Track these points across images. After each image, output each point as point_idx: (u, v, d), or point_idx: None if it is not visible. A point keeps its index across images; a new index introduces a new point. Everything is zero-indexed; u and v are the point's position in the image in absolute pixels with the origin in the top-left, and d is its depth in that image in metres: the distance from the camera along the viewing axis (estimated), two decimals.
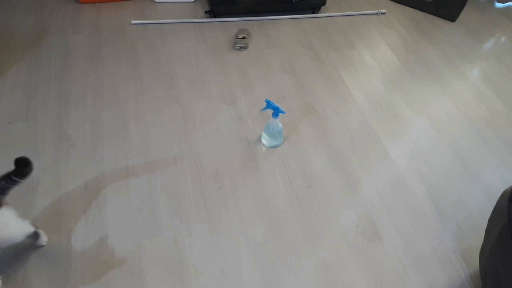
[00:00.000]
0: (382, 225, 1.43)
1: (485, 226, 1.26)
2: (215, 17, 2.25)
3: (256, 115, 1.77)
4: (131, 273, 1.26)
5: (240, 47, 2.07)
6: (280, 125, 1.59)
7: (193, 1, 2.37)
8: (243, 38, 2.10)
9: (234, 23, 2.26)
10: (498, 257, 1.10)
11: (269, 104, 1.52)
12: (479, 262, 1.27)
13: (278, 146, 1.66)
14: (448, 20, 2.42)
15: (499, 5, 2.60)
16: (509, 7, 2.60)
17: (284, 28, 2.25)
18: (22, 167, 1.09)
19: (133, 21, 2.19)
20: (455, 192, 1.56)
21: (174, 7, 2.32)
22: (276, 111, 1.53)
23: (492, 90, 2.00)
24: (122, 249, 1.31)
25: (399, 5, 2.51)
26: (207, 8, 2.28)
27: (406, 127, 1.79)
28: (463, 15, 2.46)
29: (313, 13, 2.36)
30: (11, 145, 1.57)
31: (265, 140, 1.64)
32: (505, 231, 1.05)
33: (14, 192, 1.44)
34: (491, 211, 1.22)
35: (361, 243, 1.38)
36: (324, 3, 2.34)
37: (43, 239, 1.28)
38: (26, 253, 1.28)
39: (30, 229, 1.21)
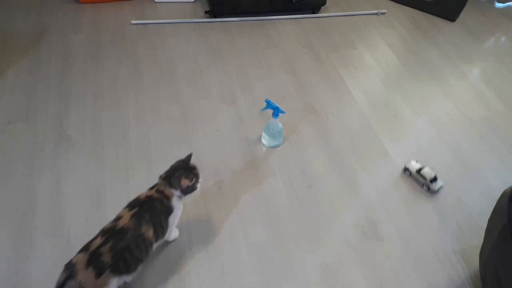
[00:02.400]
0: (382, 225, 1.43)
1: (485, 226, 1.26)
2: (215, 17, 2.25)
3: (256, 115, 1.77)
4: None
5: None
6: (280, 125, 1.59)
7: (193, 1, 2.37)
8: None
9: (234, 23, 2.26)
10: (498, 257, 1.10)
11: (269, 104, 1.52)
12: (479, 262, 1.27)
13: (278, 146, 1.65)
14: (448, 20, 2.42)
15: (499, 5, 2.60)
16: (509, 7, 2.60)
17: (284, 28, 2.25)
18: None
19: (133, 21, 2.19)
20: (455, 192, 1.56)
21: (174, 7, 2.32)
22: (276, 111, 1.53)
23: (492, 90, 2.00)
24: None
25: (399, 5, 2.51)
26: (207, 8, 2.28)
27: (406, 127, 1.79)
28: (463, 15, 2.46)
29: (313, 13, 2.36)
30: (11, 145, 1.57)
31: (265, 140, 1.64)
32: (505, 231, 1.05)
33: (13, 193, 1.44)
34: (491, 211, 1.22)
35: (361, 243, 1.38)
36: (324, 3, 2.34)
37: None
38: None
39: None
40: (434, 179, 1.51)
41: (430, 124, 1.81)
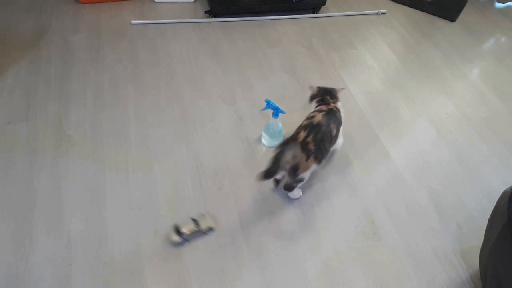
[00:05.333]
0: (382, 225, 1.43)
1: (485, 226, 1.26)
2: (215, 17, 2.26)
3: (256, 115, 1.77)
4: (131, 273, 1.26)
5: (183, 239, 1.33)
6: (280, 125, 1.59)
7: (193, 1, 2.37)
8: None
9: (234, 23, 2.26)
10: (498, 257, 1.10)
11: (269, 104, 1.52)
12: (479, 262, 1.27)
13: None
14: (448, 20, 2.42)
15: (499, 5, 2.60)
16: (509, 7, 2.60)
17: (284, 28, 2.25)
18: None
19: (133, 21, 2.19)
20: (455, 192, 1.56)
21: (174, 7, 2.32)
22: (276, 111, 1.53)
23: (492, 90, 2.00)
24: (122, 249, 1.31)
25: (399, 5, 2.51)
26: (207, 8, 2.29)
27: (406, 127, 1.79)
28: (463, 15, 2.46)
29: (313, 13, 2.36)
30: (11, 145, 1.57)
31: (265, 140, 1.64)
32: (505, 231, 1.05)
33: (13, 194, 1.45)
34: (491, 211, 1.22)
35: (361, 243, 1.38)
36: (324, 3, 2.34)
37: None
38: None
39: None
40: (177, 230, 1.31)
41: (430, 124, 1.81)
